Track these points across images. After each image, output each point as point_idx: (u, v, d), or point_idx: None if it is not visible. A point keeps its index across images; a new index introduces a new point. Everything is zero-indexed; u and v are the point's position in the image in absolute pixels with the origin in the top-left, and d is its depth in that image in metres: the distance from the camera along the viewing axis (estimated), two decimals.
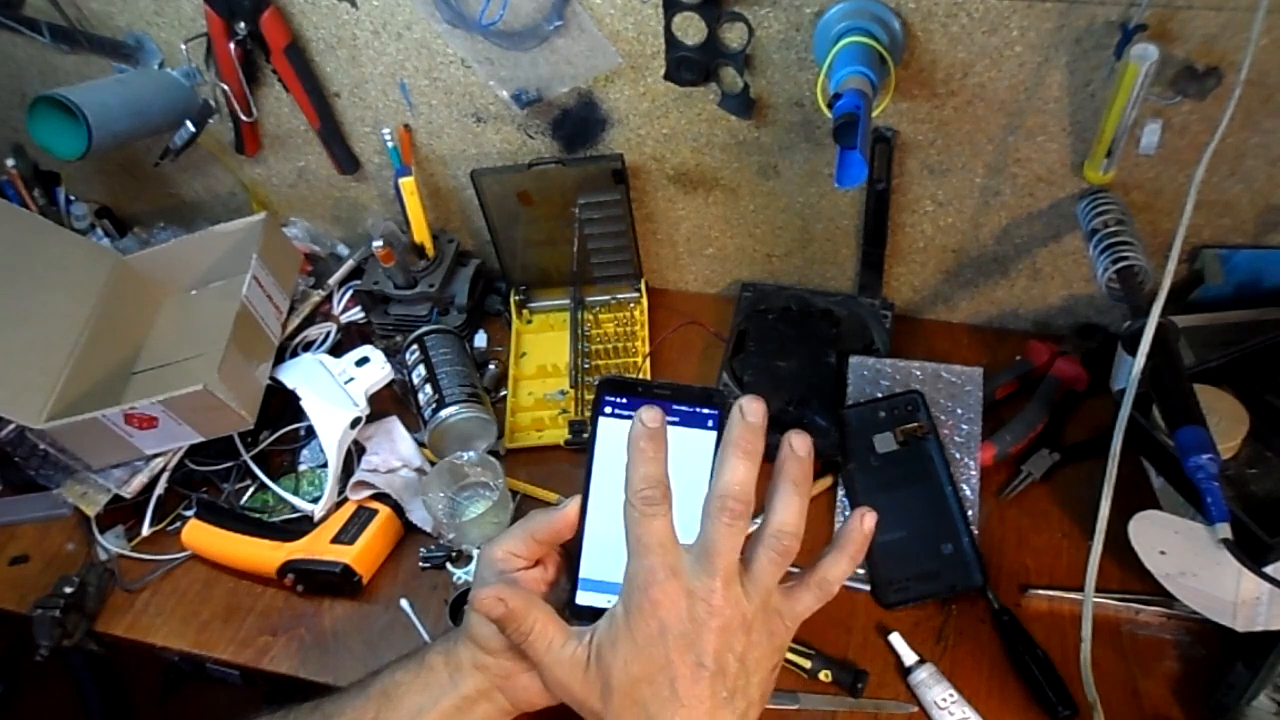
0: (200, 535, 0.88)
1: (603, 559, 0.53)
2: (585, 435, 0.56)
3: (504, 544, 0.55)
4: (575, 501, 0.54)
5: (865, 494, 0.84)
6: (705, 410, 0.53)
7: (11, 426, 0.91)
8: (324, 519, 0.88)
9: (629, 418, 0.52)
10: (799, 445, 0.48)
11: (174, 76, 1.00)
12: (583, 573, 0.54)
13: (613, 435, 0.53)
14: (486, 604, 0.51)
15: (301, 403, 0.92)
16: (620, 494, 0.50)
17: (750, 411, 0.48)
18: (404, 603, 0.84)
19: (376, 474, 0.90)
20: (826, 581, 0.50)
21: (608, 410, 0.54)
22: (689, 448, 0.52)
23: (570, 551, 0.55)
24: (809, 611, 0.51)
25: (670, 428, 0.49)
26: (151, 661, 1.40)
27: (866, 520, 0.51)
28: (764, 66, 0.85)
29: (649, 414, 0.48)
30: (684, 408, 0.53)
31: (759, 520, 0.49)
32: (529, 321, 1.08)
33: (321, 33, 0.94)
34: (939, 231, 0.95)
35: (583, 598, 0.54)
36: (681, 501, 0.49)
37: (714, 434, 0.52)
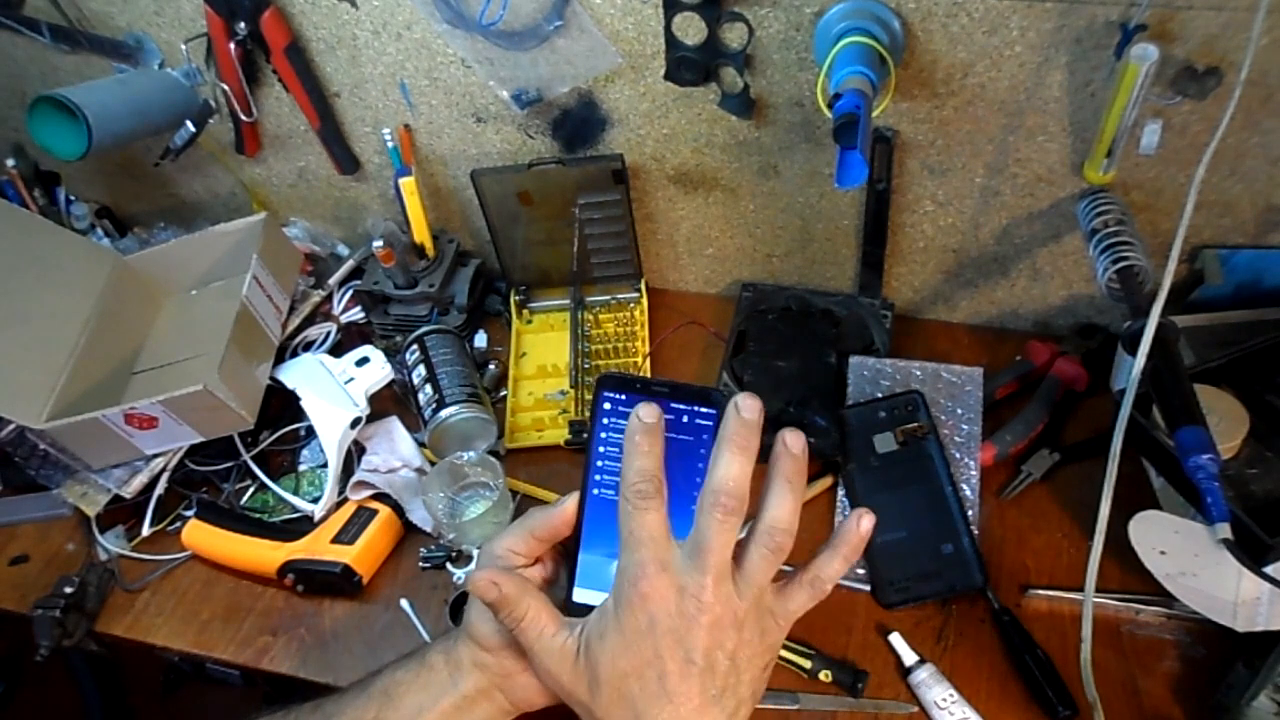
0: (200, 535, 0.88)
1: (601, 556, 0.53)
2: (585, 434, 0.56)
3: (504, 541, 0.56)
4: (573, 498, 0.54)
5: (865, 494, 0.84)
6: (703, 409, 0.53)
7: (11, 426, 0.91)
8: (324, 519, 0.88)
9: (628, 415, 0.52)
10: (793, 442, 0.48)
11: (174, 76, 1.00)
12: (580, 569, 0.54)
13: (611, 432, 0.53)
14: (480, 586, 0.51)
15: (301, 403, 0.92)
16: (619, 490, 0.50)
17: (746, 408, 0.47)
18: (404, 603, 0.84)
19: (376, 474, 0.90)
20: (820, 580, 0.50)
21: (606, 407, 0.54)
22: (686, 446, 0.52)
23: (568, 549, 0.55)
24: (802, 610, 0.50)
25: (667, 427, 0.49)
26: (151, 661, 1.40)
27: (864, 521, 0.50)
28: (764, 66, 0.85)
29: (646, 409, 0.49)
30: (682, 406, 0.53)
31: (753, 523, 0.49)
32: (529, 321, 1.08)
33: (321, 33, 0.94)
34: (939, 231, 0.95)
35: (580, 595, 0.54)
36: (678, 500, 0.49)
37: (711, 431, 0.52)
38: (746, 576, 0.48)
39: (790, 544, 0.48)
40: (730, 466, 0.47)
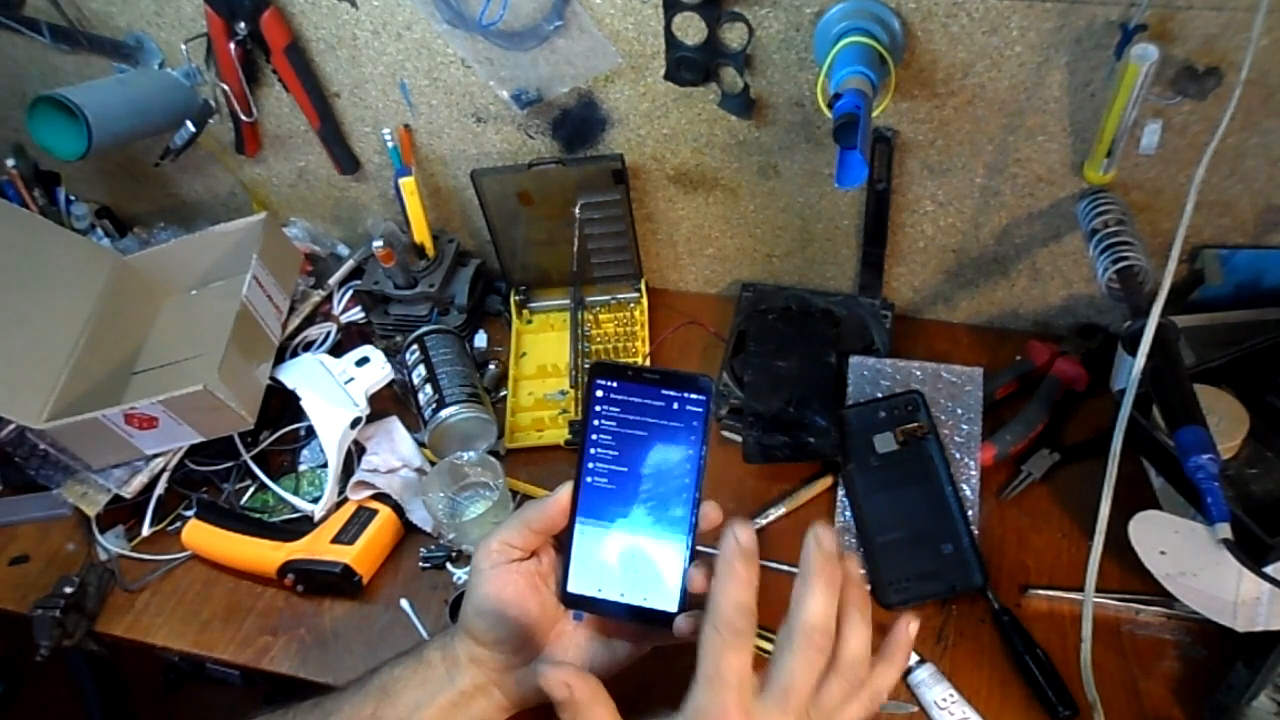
0: (200, 535, 0.88)
1: (594, 546, 0.53)
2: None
3: (500, 535, 0.56)
4: (567, 488, 0.54)
5: (865, 494, 0.84)
6: (693, 395, 0.54)
7: (11, 426, 0.91)
8: (324, 519, 0.88)
9: (621, 402, 0.53)
10: (854, 572, 0.49)
11: (174, 76, 1.00)
12: (575, 559, 0.54)
13: (604, 420, 0.54)
14: (551, 682, 0.48)
15: (301, 403, 0.92)
16: (612, 480, 0.50)
17: (825, 540, 0.47)
18: (404, 603, 0.84)
19: (376, 474, 0.90)
20: (878, 692, 0.50)
21: (599, 394, 0.54)
22: (676, 432, 0.53)
23: (562, 540, 0.55)
24: None
25: (658, 413, 0.52)
26: (151, 661, 1.40)
27: (911, 628, 0.51)
28: (764, 66, 0.85)
29: (744, 532, 0.47)
30: (672, 392, 0.54)
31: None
32: (529, 321, 1.08)
33: (321, 33, 0.94)
34: (939, 231, 0.95)
35: (574, 585, 0.55)
36: (662, 479, 0.51)
37: (700, 417, 0.53)
38: (823, 711, 0.47)
39: (867, 676, 0.48)
40: (818, 601, 0.46)
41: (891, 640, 0.51)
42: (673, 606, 0.54)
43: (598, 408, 0.54)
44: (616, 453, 0.54)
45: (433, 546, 0.87)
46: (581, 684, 0.48)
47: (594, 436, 0.54)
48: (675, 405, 0.54)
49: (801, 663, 0.45)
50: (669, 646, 0.55)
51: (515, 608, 0.55)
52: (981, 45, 0.77)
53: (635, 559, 0.53)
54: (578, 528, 0.54)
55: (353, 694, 0.58)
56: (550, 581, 0.57)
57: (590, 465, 0.54)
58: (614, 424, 0.54)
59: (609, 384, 0.54)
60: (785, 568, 0.82)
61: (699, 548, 0.54)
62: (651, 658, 0.59)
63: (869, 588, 0.52)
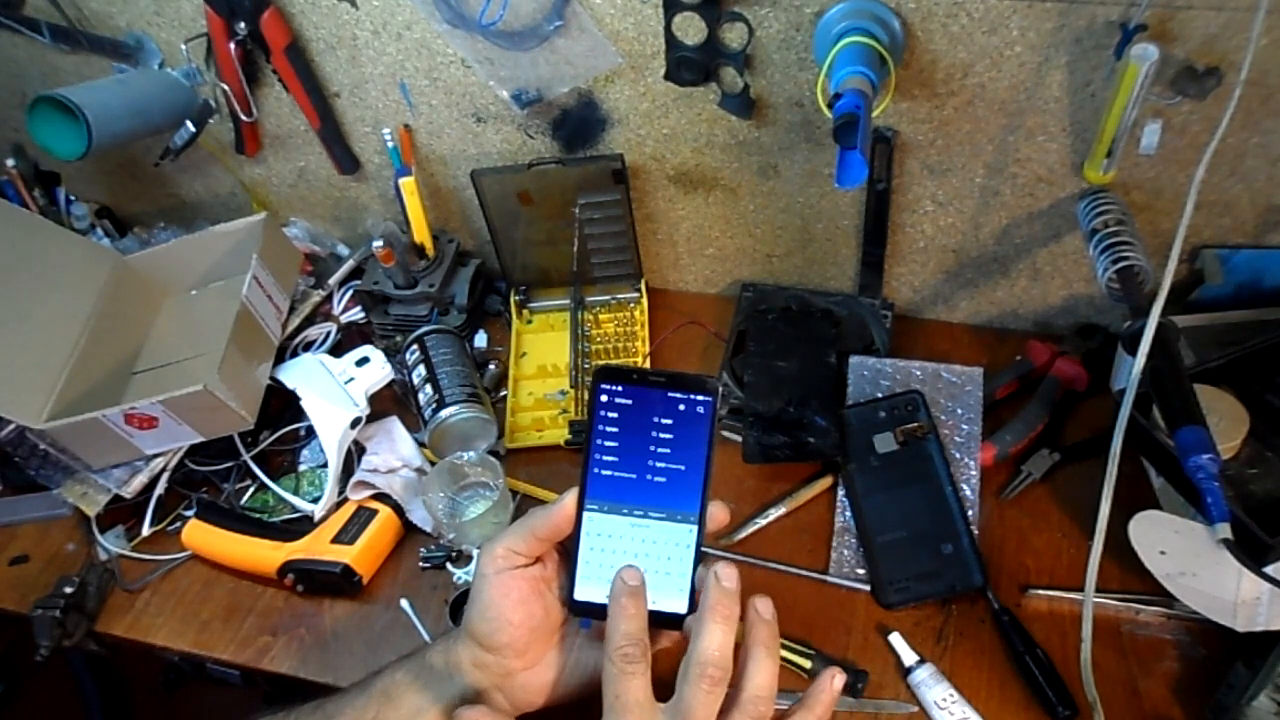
0: (200, 535, 0.88)
1: (601, 552, 0.53)
2: (584, 432, 0.56)
3: (505, 541, 0.56)
4: (572, 494, 0.54)
5: (865, 494, 0.84)
6: (700, 396, 0.53)
7: (11, 426, 0.91)
8: (324, 519, 0.88)
9: (625, 406, 0.53)
10: (764, 609, 0.51)
11: (174, 76, 1.00)
12: (580, 566, 0.54)
13: (609, 425, 0.54)
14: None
15: (301, 403, 0.92)
16: (618, 485, 0.51)
17: (726, 577, 0.50)
18: (404, 603, 0.84)
19: (376, 474, 0.90)
20: None
21: (604, 399, 0.54)
22: (686, 434, 0.53)
23: (568, 547, 0.55)
24: None
25: (663, 416, 0.52)
26: (151, 661, 1.40)
27: (836, 681, 0.53)
28: (764, 66, 0.85)
29: (629, 572, 0.51)
30: (679, 394, 0.53)
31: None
32: (529, 321, 1.08)
33: (321, 33, 0.94)
34: (939, 231, 0.95)
35: (581, 592, 0.54)
36: (668, 483, 0.51)
37: (708, 419, 0.53)
38: None
39: (770, 711, 0.50)
40: (714, 637, 0.48)
41: (814, 689, 0.53)
42: (682, 608, 0.54)
43: (602, 412, 0.54)
44: (622, 457, 0.54)
45: (433, 546, 0.87)
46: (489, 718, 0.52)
47: (599, 441, 0.54)
48: (680, 407, 0.53)
49: (698, 694, 0.47)
50: (676, 648, 0.55)
51: (519, 614, 0.55)
52: (981, 45, 0.77)
53: (643, 563, 0.53)
54: (583, 534, 0.54)
55: (354, 696, 0.58)
56: (554, 587, 0.57)
57: (595, 471, 0.54)
58: (619, 428, 0.54)
59: (613, 388, 0.54)
60: (785, 568, 0.82)
61: (705, 549, 0.54)
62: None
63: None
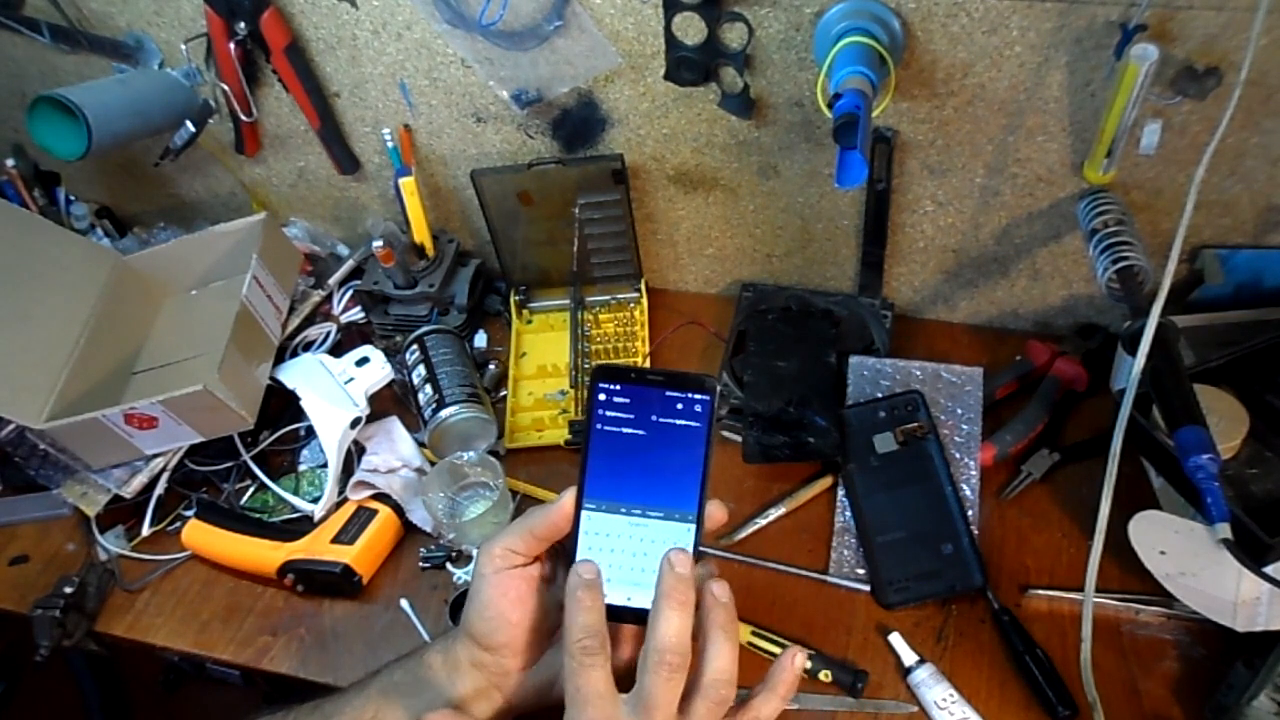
0: (200, 535, 0.88)
1: (599, 551, 0.53)
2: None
3: (503, 541, 0.56)
4: (570, 494, 0.54)
5: (865, 494, 0.84)
6: (698, 395, 0.53)
7: (11, 426, 0.91)
8: (324, 519, 0.88)
9: (624, 405, 0.53)
10: (720, 592, 0.51)
11: (174, 76, 1.00)
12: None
13: (608, 425, 0.54)
14: None
15: (301, 403, 0.92)
16: (616, 485, 0.51)
17: (678, 563, 0.50)
18: (404, 603, 0.84)
19: (376, 474, 0.90)
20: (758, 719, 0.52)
21: (602, 398, 0.54)
22: (685, 433, 0.53)
23: (566, 546, 0.55)
24: None
25: (662, 415, 0.52)
26: (151, 661, 1.40)
27: (797, 660, 0.53)
28: (764, 66, 0.85)
29: (585, 566, 0.51)
30: (678, 394, 0.53)
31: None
32: (529, 321, 1.08)
33: (321, 33, 0.94)
34: (939, 231, 0.95)
35: None
36: (666, 482, 0.52)
37: (705, 420, 0.53)
38: None
39: (733, 694, 0.50)
40: (671, 623, 0.48)
41: (776, 669, 0.53)
42: None
43: (600, 411, 0.54)
44: (620, 456, 0.54)
45: (433, 546, 0.87)
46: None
47: (597, 441, 0.54)
48: (679, 406, 0.53)
49: (658, 681, 0.47)
50: None
51: (518, 613, 0.55)
52: (981, 45, 0.77)
53: (641, 562, 0.53)
54: (582, 532, 0.54)
55: (353, 696, 0.58)
56: (553, 586, 0.57)
57: (594, 470, 0.54)
58: (617, 428, 0.54)
59: (611, 387, 0.54)
60: (785, 568, 0.82)
61: (704, 548, 0.54)
62: None
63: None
